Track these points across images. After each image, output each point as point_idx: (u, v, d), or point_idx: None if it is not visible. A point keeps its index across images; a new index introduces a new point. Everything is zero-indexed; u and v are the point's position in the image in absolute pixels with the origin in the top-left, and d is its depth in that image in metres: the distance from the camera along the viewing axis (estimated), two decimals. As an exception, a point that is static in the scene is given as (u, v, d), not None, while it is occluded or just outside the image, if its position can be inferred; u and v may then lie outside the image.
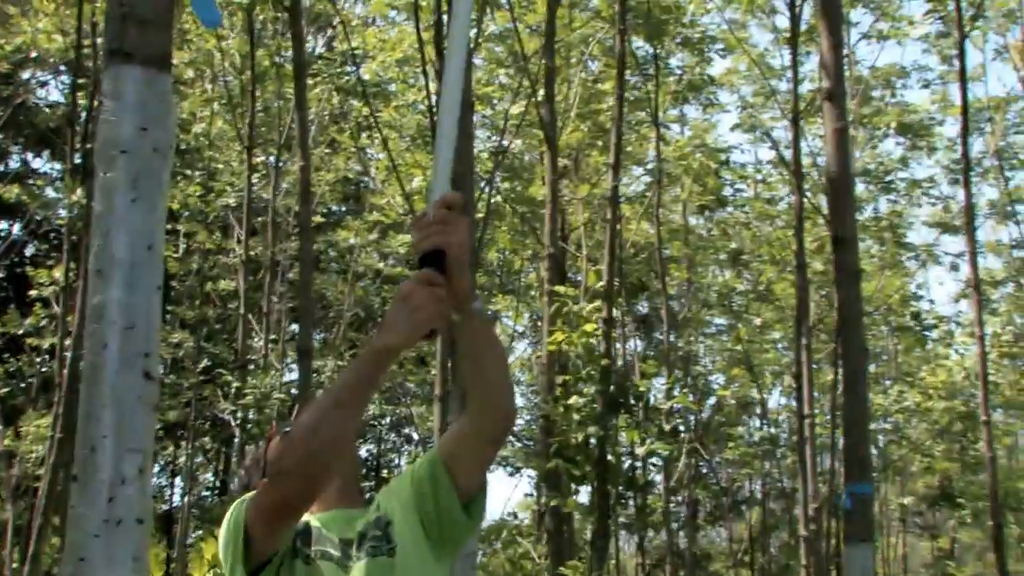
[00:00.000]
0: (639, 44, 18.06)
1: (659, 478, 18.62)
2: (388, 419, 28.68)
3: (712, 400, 24.54)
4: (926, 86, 20.68)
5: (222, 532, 2.57)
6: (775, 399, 26.30)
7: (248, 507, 2.47)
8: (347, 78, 18.32)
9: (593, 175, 19.70)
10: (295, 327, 21.27)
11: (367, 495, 2.84)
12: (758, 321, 22.63)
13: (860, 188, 20.03)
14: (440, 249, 2.30)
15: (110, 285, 3.43)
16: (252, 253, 17.99)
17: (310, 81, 16.21)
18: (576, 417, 12.50)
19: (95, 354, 3.45)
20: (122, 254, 3.43)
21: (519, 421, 21.63)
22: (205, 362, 19.51)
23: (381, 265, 21.41)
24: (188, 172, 19.00)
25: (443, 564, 2.66)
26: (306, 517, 2.60)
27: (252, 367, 17.55)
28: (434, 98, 10.99)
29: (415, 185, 16.01)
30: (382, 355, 2.34)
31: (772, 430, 24.84)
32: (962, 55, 14.49)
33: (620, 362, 18.27)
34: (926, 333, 21.57)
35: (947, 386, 20.66)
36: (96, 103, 11.28)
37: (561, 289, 13.68)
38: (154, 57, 3.49)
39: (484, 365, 2.49)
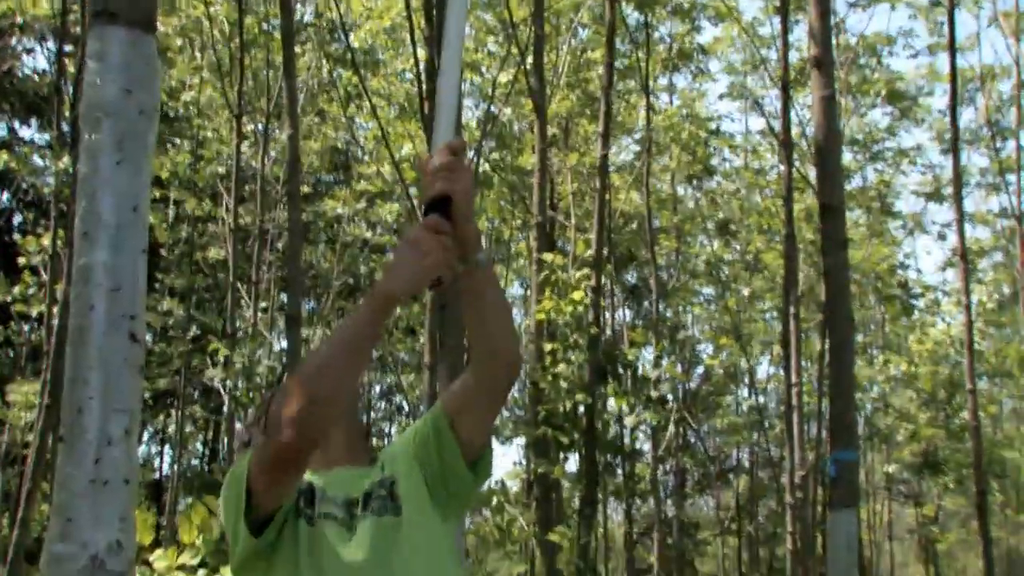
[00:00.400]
0: (629, 11, 18.01)
1: (647, 446, 18.69)
2: (378, 388, 28.76)
3: (700, 369, 24.65)
4: (914, 56, 20.69)
5: (224, 489, 2.51)
6: (764, 369, 26.42)
7: (250, 460, 2.40)
8: (336, 46, 18.27)
9: (582, 144, 19.69)
10: (284, 296, 21.29)
11: (371, 455, 2.78)
12: (746, 291, 22.69)
13: (848, 157, 20.06)
14: (445, 196, 2.28)
15: (96, 247, 3.44)
16: (241, 222, 17.97)
17: (298, 49, 16.15)
18: (564, 385, 12.54)
19: (81, 316, 3.45)
20: (108, 216, 3.44)
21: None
22: (194, 331, 19.53)
23: (369, 234, 21.40)
24: (177, 140, 18.95)
25: (449, 526, 2.61)
26: (309, 477, 2.55)
27: (241, 335, 17.56)
28: (422, 65, 10.95)
29: (404, 153, 16.00)
30: (386, 301, 2.28)
31: (760, 399, 24.95)
32: (951, 24, 14.48)
33: (608, 331, 18.32)
34: (913, 302, 21.65)
35: (932, 353, 20.75)
36: (83, 68, 11.21)
37: (549, 257, 13.69)
38: (139, 18, 3.48)
39: (488, 315, 2.44)
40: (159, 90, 3.54)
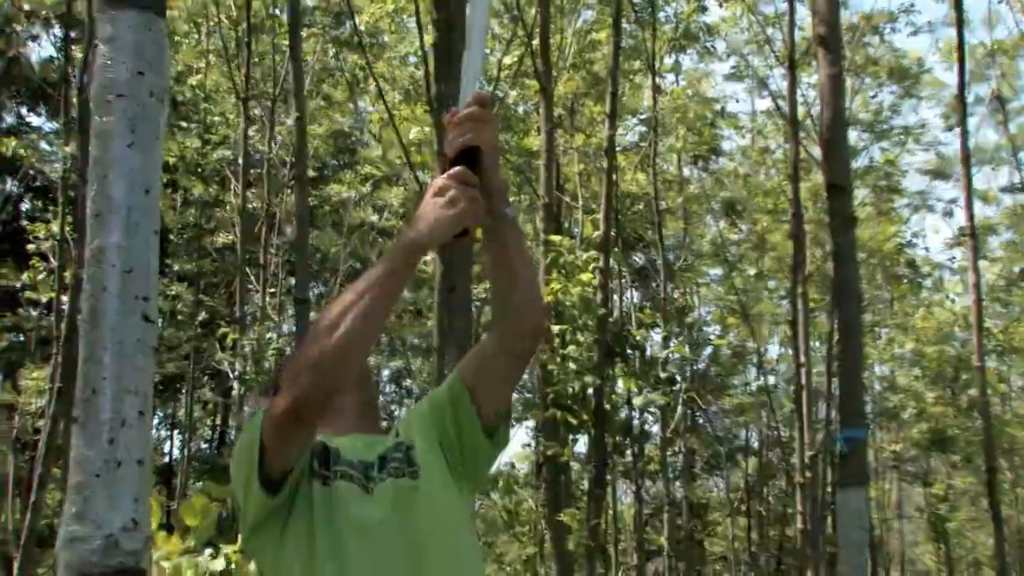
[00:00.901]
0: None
1: (656, 428, 18.72)
2: (387, 372, 28.81)
3: (708, 350, 24.66)
4: (914, 33, 20.61)
5: (235, 452, 2.44)
6: (774, 348, 26.45)
7: (263, 418, 2.33)
8: (341, 30, 18.27)
9: (588, 126, 19.67)
10: (292, 279, 21.33)
11: (385, 424, 2.72)
12: (753, 271, 22.69)
13: (853, 136, 20.01)
14: (472, 148, 2.24)
15: (108, 229, 3.45)
16: (249, 206, 18.01)
17: (304, 32, 16.15)
18: (572, 366, 12.54)
19: (95, 297, 3.47)
20: (120, 198, 3.45)
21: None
22: (203, 315, 19.60)
23: (375, 218, 21.41)
24: (184, 124, 18.98)
25: (464, 497, 2.56)
26: (323, 440, 2.49)
27: (249, 319, 17.62)
28: (428, 47, 10.95)
29: (411, 137, 16.00)
30: (412, 249, 2.21)
31: (771, 379, 24.96)
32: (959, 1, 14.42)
33: (616, 313, 18.33)
34: (920, 281, 21.63)
35: (939, 331, 20.75)
36: (90, 53, 11.21)
37: (557, 238, 13.69)
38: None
39: (515, 272, 2.38)
40: (169, 72, 3.55)
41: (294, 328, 15.66)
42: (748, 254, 22.85)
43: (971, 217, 13.82)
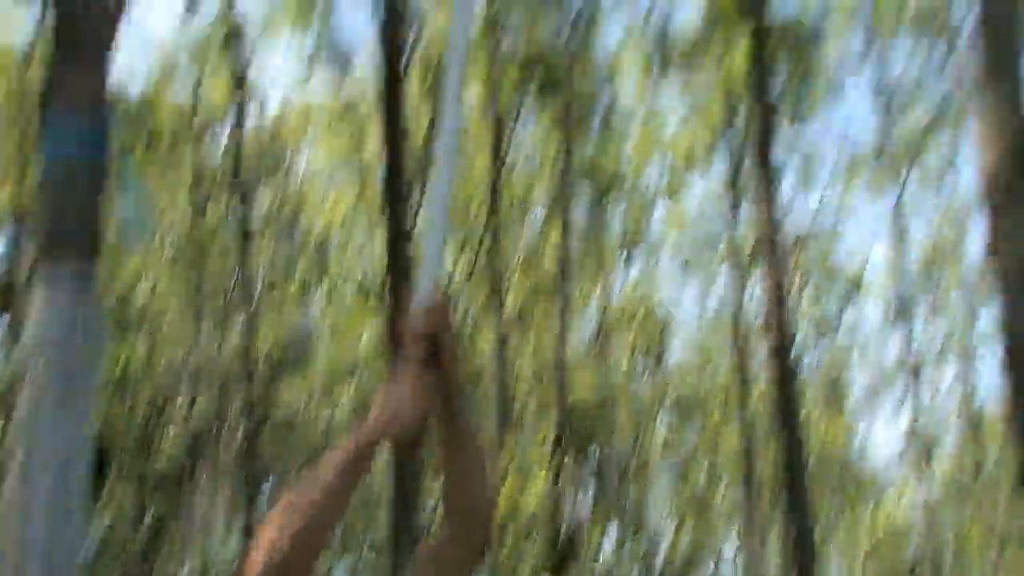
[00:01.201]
0: (581, 190, 18.30)
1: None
2: (341, 565, 28.24)
3: (663, 551, 24.37)
4: (857, 245, 21.14)
5: None
6: (731, 543, 26.16)
7: None
8: (292, 237, 18.46)
9: (538, 334, 19.81)
10: (245, 474, 20.99)
11: None
12: (706, 467, 22.61)
13: (800, 337, 20.25)
14: (431, 339, 2.26)
15: (36, 484, 3.39)
16: (197, 411, 17.82)
17: (256, 236, 16.29)
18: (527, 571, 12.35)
19: (20, 550, 3.38)
20: (48, 454, 3.39)
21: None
22: (150, 518, 19.17)
23: (325, 424, 21.25)
24: (132, 335, 18.90)
25: None
26: None
27: (198, 526, 17.26)
28: (377, 249, 11.07)
29: (362, 342, 16.03)
30: (363, 442, 2.07)
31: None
32: (897, 212, 14.80)
33: (568, 511, 18.13)
34: (870, 487, 21.60)
35: (892, 532, 20.63)
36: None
37: (511, 441, 13.62)
38: (84, 261, 3.50)
39: (467, 470, 2.30)
40: (103, 329, 3.53)
41: (243, 533, 15.37)
42: (702, 447, 22.85)
43: (916, 423, 13.90)
